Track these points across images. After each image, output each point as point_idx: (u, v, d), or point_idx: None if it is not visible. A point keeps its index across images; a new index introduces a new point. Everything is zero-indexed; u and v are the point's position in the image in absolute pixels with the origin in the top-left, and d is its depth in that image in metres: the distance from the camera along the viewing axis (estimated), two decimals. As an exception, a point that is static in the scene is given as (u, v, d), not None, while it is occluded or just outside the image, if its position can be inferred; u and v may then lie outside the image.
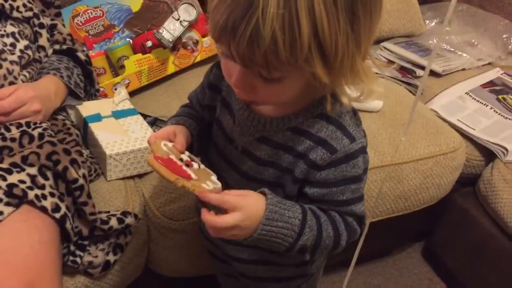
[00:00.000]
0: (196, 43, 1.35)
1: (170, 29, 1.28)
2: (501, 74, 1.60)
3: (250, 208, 0.63)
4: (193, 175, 0.66)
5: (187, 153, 0.73)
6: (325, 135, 0.67)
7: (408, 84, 1.49)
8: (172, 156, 0.69)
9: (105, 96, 1.24)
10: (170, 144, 0.72)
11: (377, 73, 1.47)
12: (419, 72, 1.54)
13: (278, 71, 0.57)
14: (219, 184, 0.68)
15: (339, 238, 0.70)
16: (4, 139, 0.87)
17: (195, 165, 0.71)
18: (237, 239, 0.65)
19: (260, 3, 0.51)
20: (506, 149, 1.32)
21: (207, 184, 0.67)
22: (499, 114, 1.43)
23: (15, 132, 0.89)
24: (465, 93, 1.50)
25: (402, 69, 1.56)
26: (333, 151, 0.66)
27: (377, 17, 0.59)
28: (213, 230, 0.64)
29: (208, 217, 0.63)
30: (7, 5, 1.02)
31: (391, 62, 1.59)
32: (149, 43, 1.29)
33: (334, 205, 0.69)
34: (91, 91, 1.19)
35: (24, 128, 0.91)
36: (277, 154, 0.70)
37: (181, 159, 0.69)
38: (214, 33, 0.57)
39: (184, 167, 0.68)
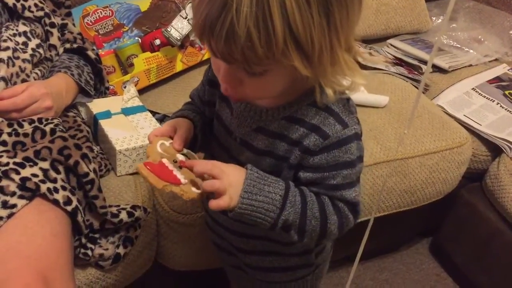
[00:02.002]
0: (203, 41, 1.37)
1: (178, 28, 1.30)
2: (508, 70, 1.61)
3: (232, 176, 0.66)
4: (182, 180, 0.68)
5: (185, 150, 0.74)
6: (317, 121, 0.68)
7: (415, 80, 1.49)
8: (165, 160, 0.70)
9: (114, 94, 1.27)
10: (167, 143, 0.73)
11: (383, 69, 1.49)
12: (425, 68, 1.55)
13: (259, 65, 0.59)
14: None
15: (326, 220, 0.70)
16: (17, 134, 0.89)
17: None
18: (228, 210, 0.67)
19: (234, 3, 0.53)
20: (513, 144, 1.32)
21: (198, 186, 0.68)
22: (506, 109, 1.44)
23: (27, 128, 0.92)
24: (472, 88, 1.51)
25: (408, 65, 1.57)
26: (326, 136, 0.68)
27: (354, 9, 0.59)
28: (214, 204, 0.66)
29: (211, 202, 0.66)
30: (19, 5, 1.05)
31: (397, 59, 1.60)
32: (157, 42, 1.31)
33: (325, 188, 0.70)
34: (101, 89, 1.22)
35: (36, 124, 0.93)
36: (273, 143, 0.72)
37: (175, 161, 0.70)
38: (196, 32, 0.59)
39: (175, 171, 0.69)
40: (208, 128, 0.83)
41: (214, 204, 0.65)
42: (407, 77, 1.50)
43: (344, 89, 0.66)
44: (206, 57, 1.39)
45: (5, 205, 0.80)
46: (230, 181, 0.65)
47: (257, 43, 0.54)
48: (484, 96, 1.48)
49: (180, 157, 0.72)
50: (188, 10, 1.31)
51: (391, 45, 1.65)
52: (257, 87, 0.63)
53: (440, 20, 1.77)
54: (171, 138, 0.75)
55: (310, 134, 0.68)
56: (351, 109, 0.71)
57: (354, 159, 0.69)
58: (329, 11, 0.56)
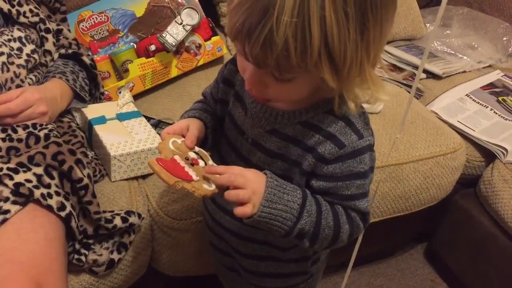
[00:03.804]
0: (198, 47, 1.37)
1: (173, 33, 1.31)
2: (501, 76, 1.62)
3: (255, 184, 0.66)
4: (194, 177, 0.68)
5: (197, 148, 0.74)
6: (334, 130, 0.69)
7: (409, 86, 1.50)
8: (177, 157, 0.70)
9: (109, 99, 1.27)
10: (179, 141, 0.74)
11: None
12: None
13: (289, 73, 0.60)
14: None
15: (339, 229, 0.71)
16: (11, 140, 0.89)
17: (201, 163, 0.72)
18: (247, 216, 0.66)
19: (276, 11, 0.53)
20: (506, 150, 1.33)
21: (210, 183, 0.69)
22: (499, 115, 1.44)
23: (21, 133, 0.91)
24: (466, 95, 1.52)
25: (402, 72, 1.58)
26: (341, 145, 0.68)
27: (387, 28, 0.61)
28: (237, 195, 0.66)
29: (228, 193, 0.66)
30: (14, 11, 1.05)
31: (392, 65, 1.61)
32: (152, 47, 1.31)
33: (339, 199, 0.71)
34: (96, 95, 1.22)
35: (31, 129, 0.93)
36: (287, 146, 0.72)
37: (187, 158, 0.71)
38: (231, 33, 0.60)
39: (187, 168, 0.69)
40: (219, 127, 0.84)
41: (240, 212, 0.65)
42: (401, 83, 1.51)
43: (364, 102, 0.67)
44: (201, 63, 1.40)
45: (-2, 210, 0.79)
46: (253, 189, 0.66)
47: (293, 52, 0.55)
48: (478, 102, 1.49)
49: (192, 154, 0.72)
50: (184, 16, 1.32)
51: (386, 51, 1.65)
52: (281, 91, 0.64)
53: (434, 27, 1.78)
54: (183, 136, 0.75)
55: (326, 141, 0.69)
56: (366, 120, 0.72)
57: (367, 169, 0.70)
58: (365, 27, 0.57)
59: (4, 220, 0.79)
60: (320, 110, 0.70)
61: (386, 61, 1.62)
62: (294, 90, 0.64)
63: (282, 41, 0.54)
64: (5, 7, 1.04)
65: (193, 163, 0.70)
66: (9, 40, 1.02)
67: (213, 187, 0.68)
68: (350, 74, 0.59)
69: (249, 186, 0.65)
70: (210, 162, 0.74)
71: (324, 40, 0.55)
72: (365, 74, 0.61)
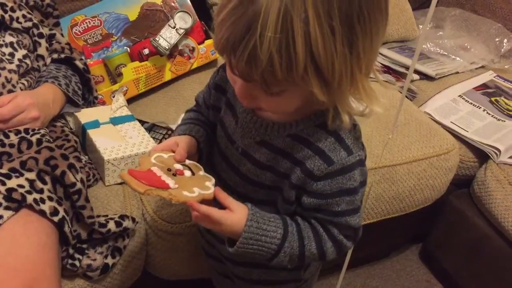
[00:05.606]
0: (192, 50, 1.38)
1: (167, 37, 1.31)
2: (494, 77, 1.63)
3: (232, 221, 0.69)
4: (172, 185, 0.67)
5: (187, 161, 0.74)
6: (323, 145, 0.68)
7: (402, 88, 1.50)
8: (154, 168, 0.69)
9: (103, 103, 1.27)
10: (166, 156, 0.73)
11: (370, 77, 1.50)
12: (413, 76, 1.56)
13: (276, 86, 0.59)
14: (211, 190, 0.70)
15: (324, 255, 0.73)
16: (3, 145, 0.89)
17: (187, 173, 0.72)
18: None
19: (258, 27, 0.53)
20: (499, 150, 1.33)
21: (193, 190, 0.68)
22: (492, 116, 1.45)
23: (13, 138, 0.91)
24: (459, 95, 1.52)
25: (396, 73, 1.59)
26: (330, 162, 0.67)
27: (378, 39, 0.60)
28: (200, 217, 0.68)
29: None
30: (7, 16, 1.05)
31: (385, 66, 1.61)
32: (146, 51, 1.31)
33: (329, 215, 0.70)
34: (89, 99, 1.22)
35: (23, 134, 0.93)
36: (276, 158, 0.72)
37: (169, 169, 0.70)
38: (217, 48, 0.59)
39: (165, 177, 0.68)
40: (212, 136, 0.83)
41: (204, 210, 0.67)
42: (395, 84, 1.51)
43: (358, 114, 0.66)
44: (194, 66, 1.40)
45: (-9, 216, 0.79)
46: (229, 223, 0.68)
47: (278, 68, 0.55)
48: (471, 103, 1.50)
49: (177, 166, 0.72)
50: (177, 20, 1.32)
51: (379, 53, 1.66)
52: (272, 104, 0.64)
53: (427, 28, 1.79)
54: (173, 151, 0.74)
55: (314, 157, 0.68)
56: (357, 134, 0.71)
57: (357, 186, 0.70)
58: (353, 40, 0.56)
59: (-3, 226, 0.79)
60: (311, 124, 0.69)
61: (380, 63, 1.62)
62: (284, 103, 0.63)
63: (266, 56, 0.54)
64: (-2, 13, 1.04)
65: (175, 173, 0.70)
66: (1, 46, 1.02)
67: (196, 193, 0.68)
68: (341, 86, 0.58)
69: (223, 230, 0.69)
70: (201, 172, 0.74)
71: (310, 55, 0.54)
72: (358, 85, 0.60)
